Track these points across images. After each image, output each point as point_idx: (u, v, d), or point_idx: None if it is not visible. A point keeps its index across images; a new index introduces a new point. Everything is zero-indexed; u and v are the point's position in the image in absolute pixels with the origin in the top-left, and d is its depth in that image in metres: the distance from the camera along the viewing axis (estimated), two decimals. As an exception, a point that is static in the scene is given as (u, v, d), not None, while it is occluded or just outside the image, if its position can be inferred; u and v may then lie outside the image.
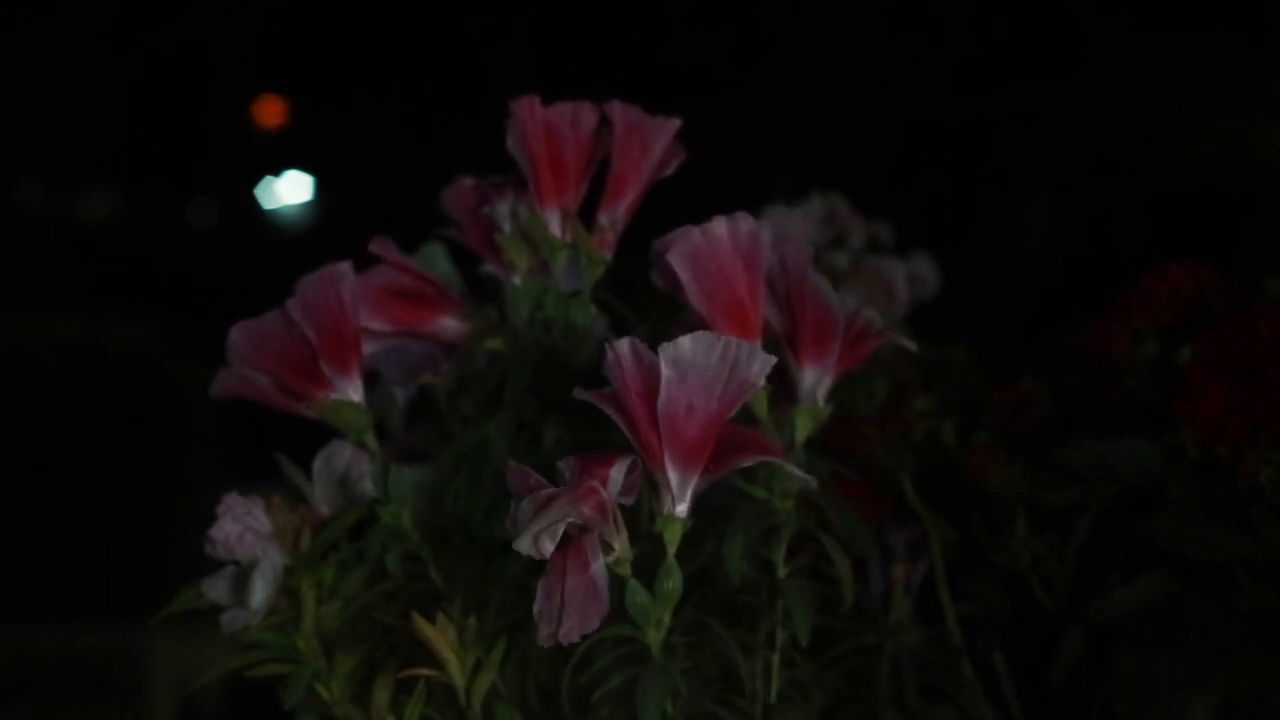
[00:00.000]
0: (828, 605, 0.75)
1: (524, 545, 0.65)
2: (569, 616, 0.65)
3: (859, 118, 3.45)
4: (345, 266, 0.79)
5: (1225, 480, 0.82)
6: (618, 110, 0.82)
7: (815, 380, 0.77)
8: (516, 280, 0.82)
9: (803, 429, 0.77)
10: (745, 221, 0.74)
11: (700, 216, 0.75)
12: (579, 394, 0.69)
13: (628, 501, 0.69)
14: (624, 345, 0.67)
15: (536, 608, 0.65)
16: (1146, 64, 3.14)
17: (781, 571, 0.76)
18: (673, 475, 0.68)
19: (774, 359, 0.69)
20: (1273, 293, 0.91)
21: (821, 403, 0.77)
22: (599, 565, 0.66)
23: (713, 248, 0.74)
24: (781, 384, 0.77)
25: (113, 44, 4.57)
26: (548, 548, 0.64)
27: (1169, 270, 0.92)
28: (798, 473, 0.71)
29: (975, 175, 3.46)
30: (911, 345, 0.80)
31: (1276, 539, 0.81)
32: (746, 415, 0.75)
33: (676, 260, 0.73)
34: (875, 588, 0.86)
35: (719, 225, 0.74)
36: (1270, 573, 0.81)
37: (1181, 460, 0.86)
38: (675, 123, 0.83)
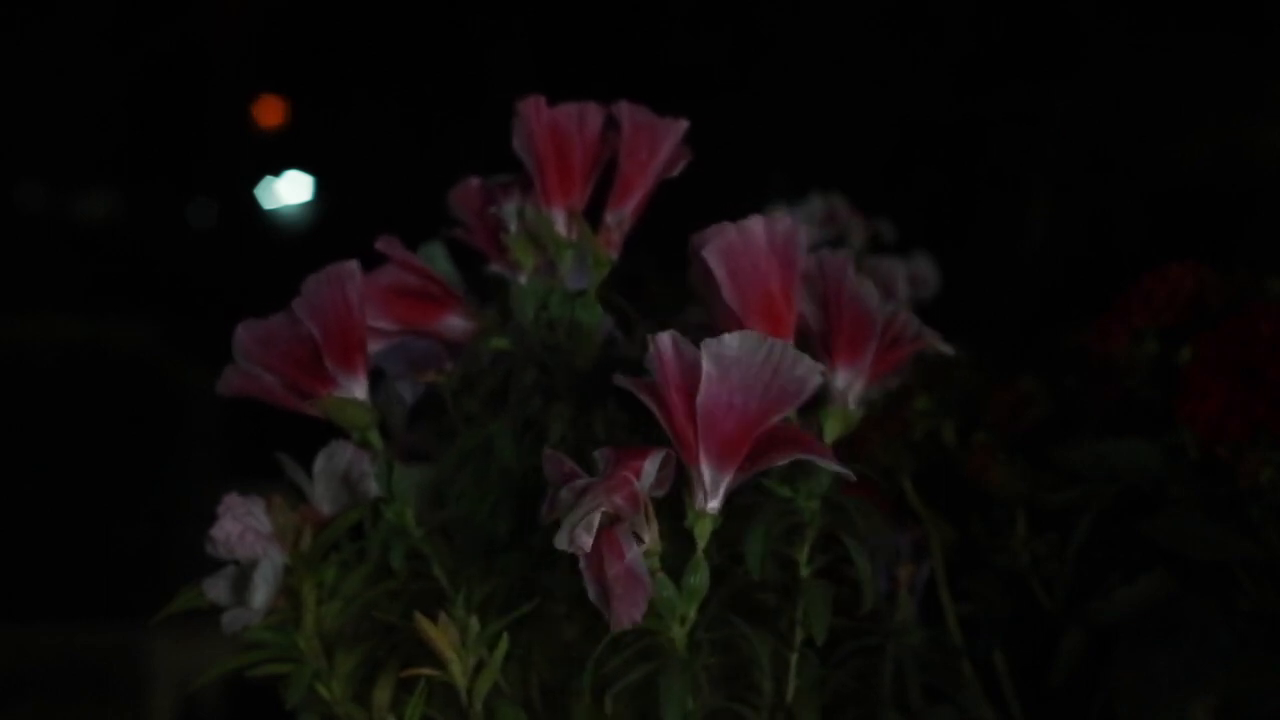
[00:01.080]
0: (842, 606, 0.75)
1: (561, 542, 0.65)
2: (618, 606, 0.65)
3: (859, 118, 3.45)
4: (352, 265, 0.79)
5: (1225, 480, 0.82)
6: (625, 111, 0.82)
7: (848, 384, 0.76)
8: (522, 280, 0.83)
9: (831, 432, 0.76)
10: (782, 221, 0.74)
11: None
12: (618, 380, 0.68)
13: (659, 494, 0.68)
14: (665, 338, 0.67)
15: (592, 598, 0.65)
16: (1146, 64, 3.14)
17: (804, 571, 0.76)
18: (707, 471, 0.68)
19: (820, 365, 0.68)
20: (1273, 293, 0.91)
21: (853, 407, 0.77)
22: (634, 552, 0.65)
23: (748, 245, 0.73)
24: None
25: (113, 44, 4.57)
26: (585, 541, 0.64)
27: (1169, 270, 0.92)
28: (836, 467, 0.70)
29: (975, 175, 3.46)
30: (947, 348, 0.79)
31: (1276, 539, 0.81)
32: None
33: (711, 257, 0.73)
34: (880, 588, 0.86)
35: (756, 223, 0.73)
36: (1270, 573, 0.81)
37: (1181, 460, 0.86)
38: (683, 124, 0.83)
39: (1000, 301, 3.08)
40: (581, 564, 0.65)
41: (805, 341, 0.77)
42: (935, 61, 3.45)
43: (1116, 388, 0.93)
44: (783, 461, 0.69)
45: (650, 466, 0.67)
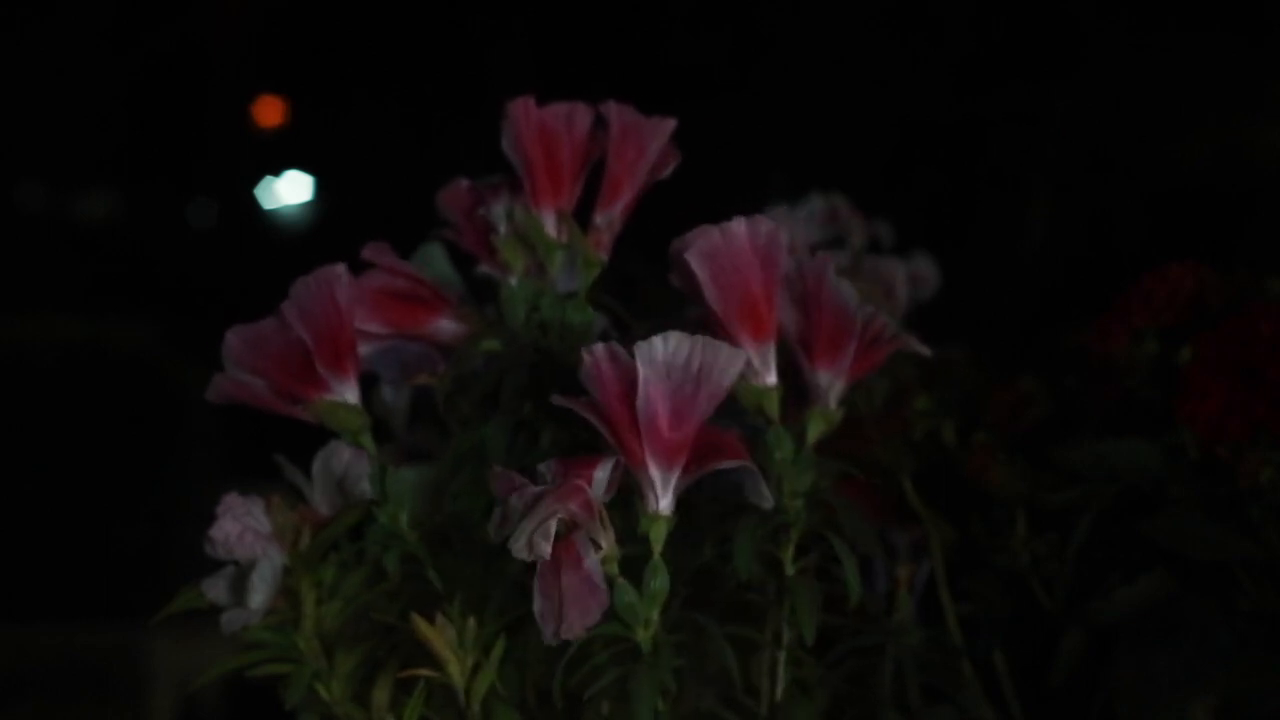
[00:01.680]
0: (833, 605, 0.75)
1: (519, 549, 0.65)
2: (570, 613, 0.65)
3: (859, 118, 3.45)
4: (340, 268, 0.78)
5: (1225, 480, 0.82)
6: (613, 111, 0.82)
7: (829, 383, 0.78)
8: (513, 281, 0.82)
9: (814, 431, 0.77)
10: (764, 223, 0.75)
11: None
12: (555, 400, 0.70)
13: (607, 499, 0.69)
14: (599, 349, 0.68)
15: (536, 608, 0.66)
16: (1146, 64, 3.14)
17: (790, 570, 0.76)
18: (654, 474, 0.69)
19: (745, 355, 0.70)
20: (1273, 293, 0.91)
21: (834, 406, 0.78)
22: (592, 559, 0.66)
23: (730, 247, 0.74)
24: (793, 386, 0.77)
25: (113, 44, 4.57)
26: (544, 549, 0.65)
27: (1169, 270, 0.92)
28: (762, 488, 0.72)
29: (975, 175, 3.46)
30: (925, 350, 0.80)
31: (1276, 539, 0.81)
32: (759, 414, 0.76)
33: (694, 259, 0.74)
34: (879, 588, 0.86)
35: (738, 225, 0.74)
36: (1270, 573, 0.81)
37: (1181, 460, 0.86)
38: (671, 123, 0.83)
39: (1000, 301, 3.08)
40: (536, 573, 0.66)
41: (786, 343, 0.77)
42: (935, 62, 3.45)
43: (1116, 388, 0.93)
44: (724, 466, 0.70)
45: (601, 474, 0.68)
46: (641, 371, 0.67)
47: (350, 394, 0.80)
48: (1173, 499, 0.84)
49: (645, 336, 0.68)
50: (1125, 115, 3.17)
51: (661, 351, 0.68)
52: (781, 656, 0.76)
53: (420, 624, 0.72)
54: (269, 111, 4.84)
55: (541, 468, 0.69)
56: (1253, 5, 3.09)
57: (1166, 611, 0.83)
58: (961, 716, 0.85)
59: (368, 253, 0.83)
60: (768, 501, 0.72)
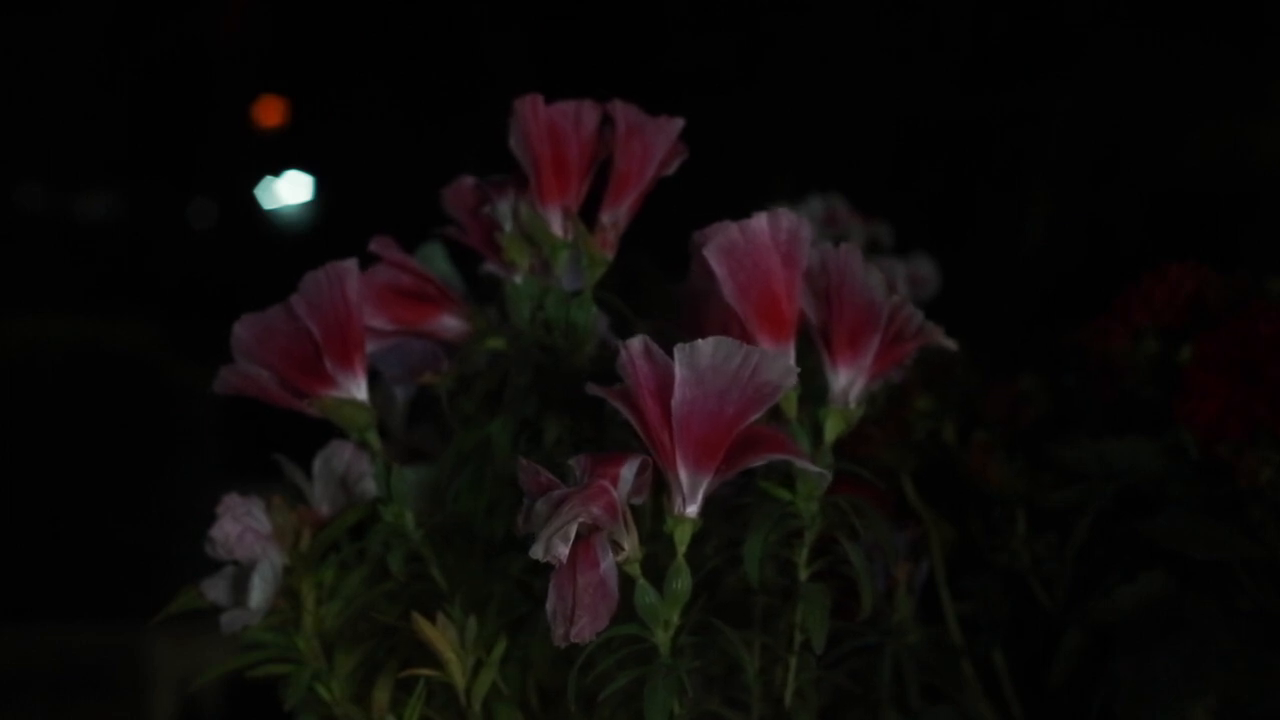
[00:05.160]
0: (840, 607, 0.75)
1: (538, 551, 0.64)
2: (581, 616, 0.64)
3: (859, 118, 3.45)
4: (350, 263, 0.78)
5: (1225, 480, 0.82)
6: (620, 110, 0.82)
7: (848, 382, 0.76)
8: (517, 279, 0.82)
9: (832, 430, 0.75)
10: (786, 218, 0.73)
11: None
12: (590, 389, 0.68)
13: (638, 501, 0.68)
14: (636, 344, 0.67)
15: (549, 608, 0.65)
16: (1147, 65, 3.14)
17: (803, 574, 0.75)
18: (684, 475, 0.68)
19: (797, 369, 0.68)
20: (1273, 293, 0.91)
21: (854, 405, 0.76)
22: (608, 563, 0.65)
23: (750, 243, 0.73)
24: (810, 383, 0.76)
25: (113, 44, 4.57)
26: (562, 551, 0.64)
27: (1169, 270, 0.92)
28: (813, 468, 0.70)
29: (975, 175, 3.46)
30: (951, 344, 0.79)
31: (1276, 539, 0.81)
32: (774, 413, 0.75)
33: (713, 255, 0.72)
34: (879, 588, 0.86)
35: (759, 221, 0.73)
36: (1270, 573, 0.81)
37: (1181, 460, 0.86)
38: (678, 123, 0.83)
39: (1000, 301, 3.07)
40: (552, 574, 0.65)
41: (806, 339, 0.76)
42: (936, 62, 3.45)
43: (1116, 387, 0.93)
44: (759, 463, 0.68)
45: (628, 473, 0.67)
46: (679, 373, 0.66)
47: (358, 390, 0.79)
48: (1173, 499, 0.84)
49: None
50: (1125, 116, 3.17)
51: (707, 356, 0.66)
52: (793, 661, 0.76)
53: (421, 623, 0.72)
54: (269, 111, 4.84)
55: (570, 463, 0.68)
56: (1253, 7, 3.09)
57: (1166, 611, 0.83)
58: (961, 716, 0.85)
59: (375, 246, 0.83)
60: (823, 477, 0.71)
